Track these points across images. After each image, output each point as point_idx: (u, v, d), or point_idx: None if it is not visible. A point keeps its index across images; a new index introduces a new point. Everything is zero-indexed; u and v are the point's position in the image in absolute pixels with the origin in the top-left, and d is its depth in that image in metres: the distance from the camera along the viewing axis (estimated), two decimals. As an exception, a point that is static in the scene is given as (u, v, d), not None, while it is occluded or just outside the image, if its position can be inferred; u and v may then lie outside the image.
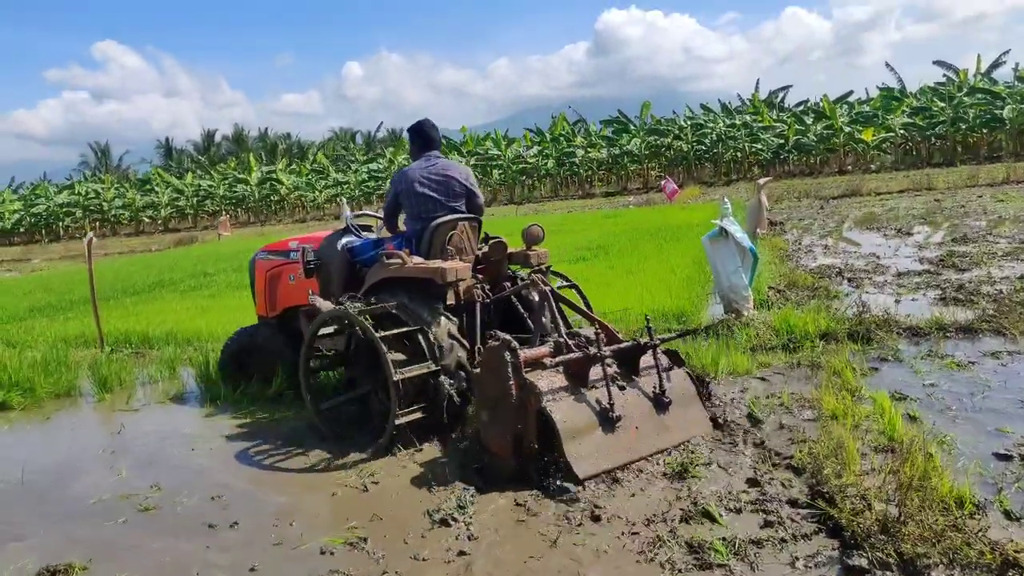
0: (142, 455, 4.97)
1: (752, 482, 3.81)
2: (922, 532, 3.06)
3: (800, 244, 12.50)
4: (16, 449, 5.37)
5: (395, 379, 4.19)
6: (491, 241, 5.12)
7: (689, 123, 39.17)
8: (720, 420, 4.45)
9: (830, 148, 35.29)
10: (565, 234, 16.11)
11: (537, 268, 5.03)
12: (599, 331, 4.22)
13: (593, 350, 4.06)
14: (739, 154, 37.50)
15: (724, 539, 3.24)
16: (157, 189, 42.29)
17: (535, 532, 3.49)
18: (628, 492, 3.80)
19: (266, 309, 5.96)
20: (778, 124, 37.12)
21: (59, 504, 4.23)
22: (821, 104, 36.82)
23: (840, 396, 4.71)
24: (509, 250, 5.10)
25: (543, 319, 4.59)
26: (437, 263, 4.67)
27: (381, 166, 42.60)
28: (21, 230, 42.27)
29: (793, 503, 3.54)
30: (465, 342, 4.62)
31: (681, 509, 3.57)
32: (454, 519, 3.62)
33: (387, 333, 4.34)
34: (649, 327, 4.41)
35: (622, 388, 4.14)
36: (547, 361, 3.98)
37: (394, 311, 4.52)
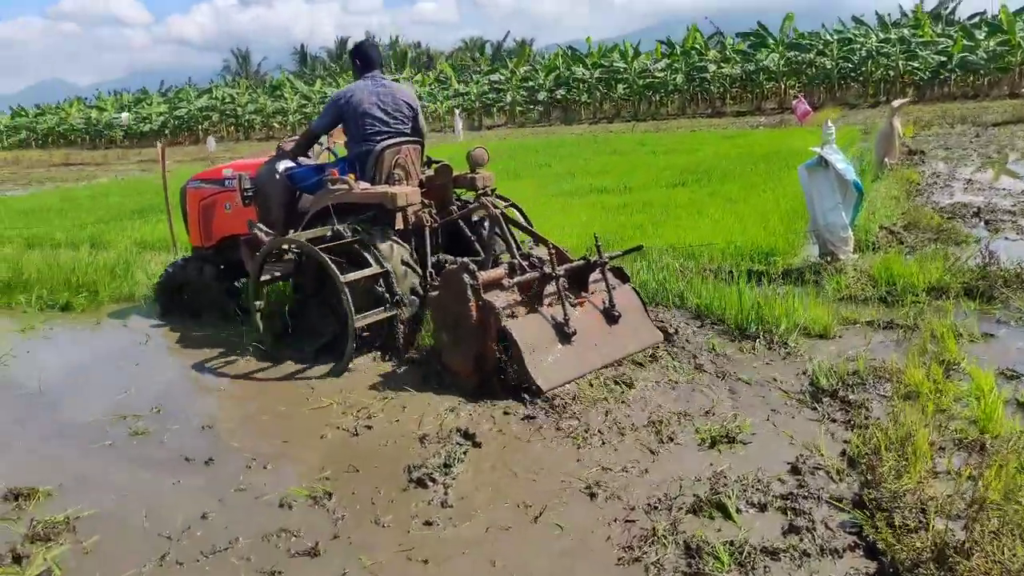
0: (161, 371, 4.86)
1: (793, 469, 3.17)
2: (989, 569, 2.36)
3: (938, 177, 10.95)
4: (50, 354, 5.41)
5: (341, 282, 4.18)
6: (436, 165, 5.09)
7: (836, 37, 35.56)
8: (670, 331, 4.66)
9: (1002, 68, 31.12)
10: (675, 154, 15.03)
11: (483, 191, 4.98)
12: (552, 251, 4.41)
13: (547, 269, 4.17)
14: (891, 73, 33.78)
15: (731, 543, 2.66)
16: (286, 95, 43.31)
17: (517, 504, 3.03)
18: (646, 463, 3.28)
19: (200, 239, 5.81)
20: (942, 39, 33.03)
21: (54, 420, 4.17)
22: (999, 16, 32.39)
23: (930, 369, 3.88)
24: (454, 173, 5.04)
25: (494, 241, 4.68)
26: (386, 187, 4.67)
27: (503, 77, 41.60)
28: (167, 132, 44.66)
29: (835, 503, 2.89)
30: (417, 267, 4.62)
31: (695, 495, 3.00)
32: (433, 479, 3.22)
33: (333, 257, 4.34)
34: (598, 245, 4.50)
35: (575, 305, 4.28)
36: (505, 282, 4.09)
37: (345, 236, 4.48)
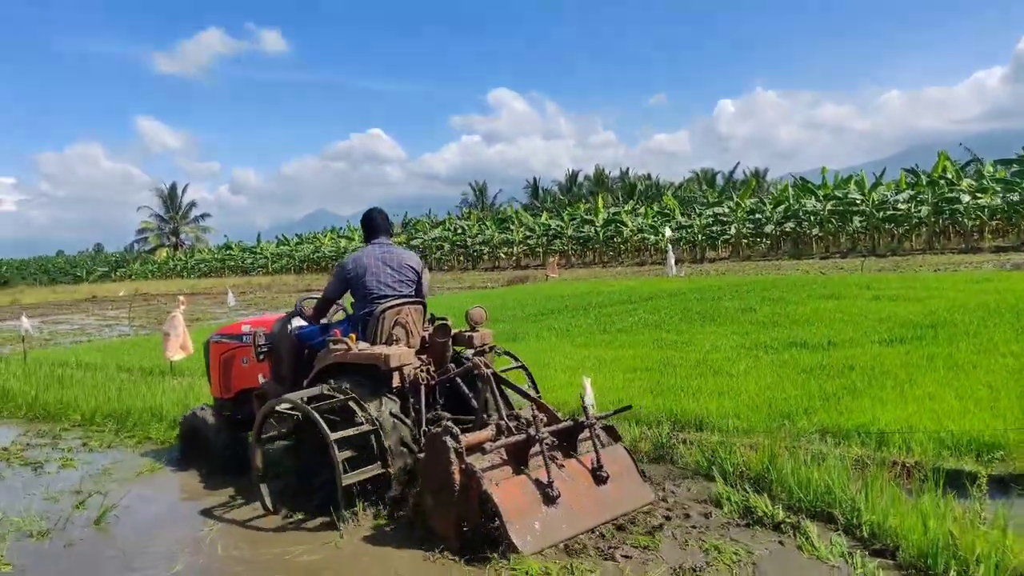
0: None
1: None
2: None
3: None
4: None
5: (331, 440, 4.31)
6: (435, 323, 5.19)
7: None
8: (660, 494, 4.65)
9: None
10: (902, 301, 13.22)
11: (480, 349, 5.16)
12: (535, 412, 4.42)
13: (531, 431, 4.23)
14: None
15: None
16: (512, 227, 45.85)
17: None
18: None
19: (220, 391, 6.08)
20: None
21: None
22: None
23: None
24: (453, 331, 5.18)
25: (486, 401, 4.74)
26: (381, 348, 4.80)
27: (728, 209, 40.79)
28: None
29: None
30: (408, 421, 4.72)
31: None
32: None
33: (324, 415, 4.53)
34: (584, 406, 4.52)
35: (561, 467, 4.31)
36: (487, 446, 4.11)
37: (336, 394, 4.67)
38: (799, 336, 9.95)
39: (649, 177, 73.08)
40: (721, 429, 5.99)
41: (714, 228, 40.83)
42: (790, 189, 40.44)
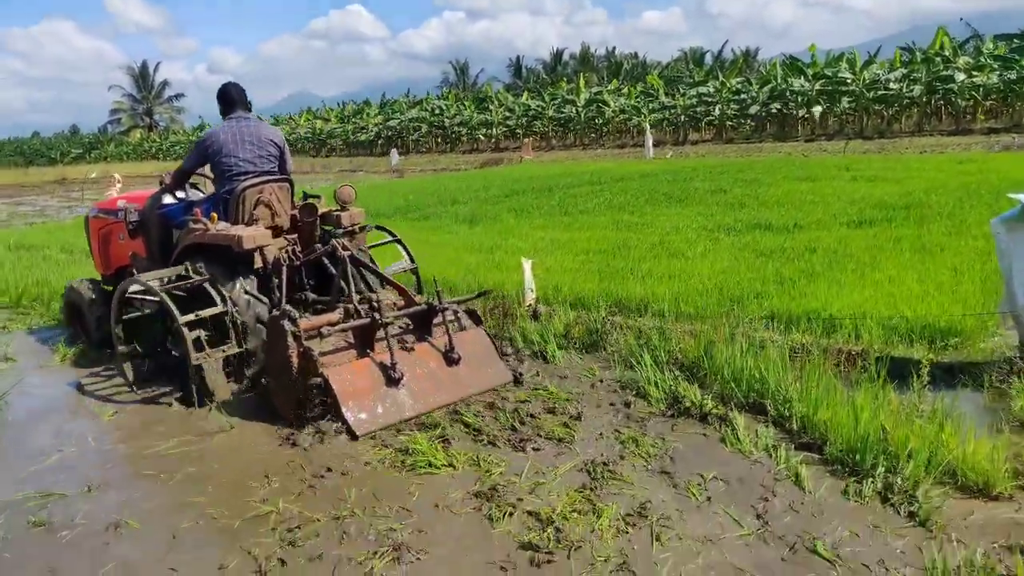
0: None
1: None
2: None
3: None
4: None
5: (179, 322, 4.26)
6: (302, 204, 5.06)
7: None
8: (518, 374, 4.61)
9: None
10: (879, 182, 12.72)
11: (349, 230, 5.05)
12: (377, 298, 4.36)
13: (377, 315, 4.21)
14: None
15: None
16: (491, 108, 44.17)
17: None
18: None
19: (101, 267, 6.05)
20: None
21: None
22: None
23: None
24: (322, 211, 5.09)
25: (341, 283, 4.64)
26: (237, 230, 4.63)
27: (713, 89, 39.26)
28: (380, 142, 47.41)
29: None
30: (264, 300, 4.66)
31: None
32: None
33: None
34: (438, 290, 4.56)
35: (410, 349, 4.35)
36: (324, 330, 4.05)
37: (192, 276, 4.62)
38: (765, 218, 9.49)
39: (636, 56, 70.52)
40: (663, 314, 5.62)
41: (698, 109, 39.35)
42: (778, 68, 38.80)
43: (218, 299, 4.46)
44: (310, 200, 5.08)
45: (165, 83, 77.13)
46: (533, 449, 3.74)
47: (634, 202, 12.02)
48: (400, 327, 4.48)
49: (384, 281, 4.87)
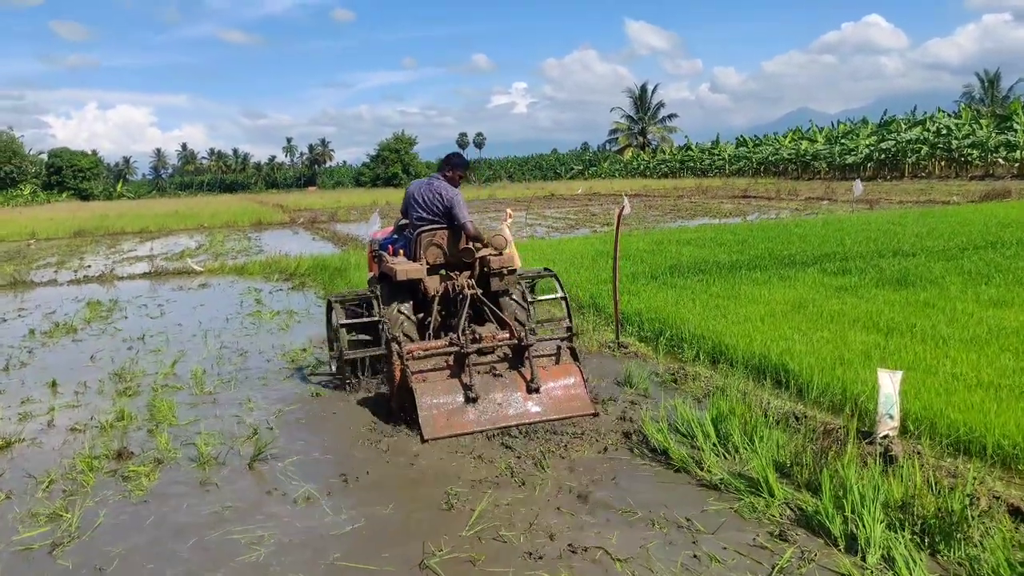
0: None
1: None
2: None
3: None
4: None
5: (337, 325, 5.81)
6: (463, 247, 5.85)
7: None
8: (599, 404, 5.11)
9: None
10: None
11: (498, 272, 5.78)
12: (471, 332, 5.17)
13: (465, 347, 5.03)
14: None
15: None
16: (1018, 126, 35.63)
17: None
18: None
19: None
20: None
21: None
22: None
23: None
24: (480, 254, 5.85)
25: (505, 313, 5.77)
26: (400, 263, 5.75)
27: None
28: (870, 164, 42.29)
29: None
30: (413, 318, 5.77)
31: None
32: None
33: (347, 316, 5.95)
34: (530, 328, 5.57)
35: (498, 375, 5.05)
36: (416, 352, 4.99)
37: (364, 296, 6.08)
38: None
39: None
40: None
41: None
42: None
43: (376, 313, 5.70)
44: (470, 246, 5.86)
45: (660, 104, 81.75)
46: None
47: None
48: (500, 356, 5.15)
49: (498, 319, 5.64)
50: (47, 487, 4.11)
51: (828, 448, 3.88)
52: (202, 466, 4.33)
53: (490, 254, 5.81)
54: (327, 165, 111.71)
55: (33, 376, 6.62)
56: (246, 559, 3.28)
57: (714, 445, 4.23)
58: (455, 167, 6.01)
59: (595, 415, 4.90)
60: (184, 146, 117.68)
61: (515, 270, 5.89)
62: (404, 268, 5.62)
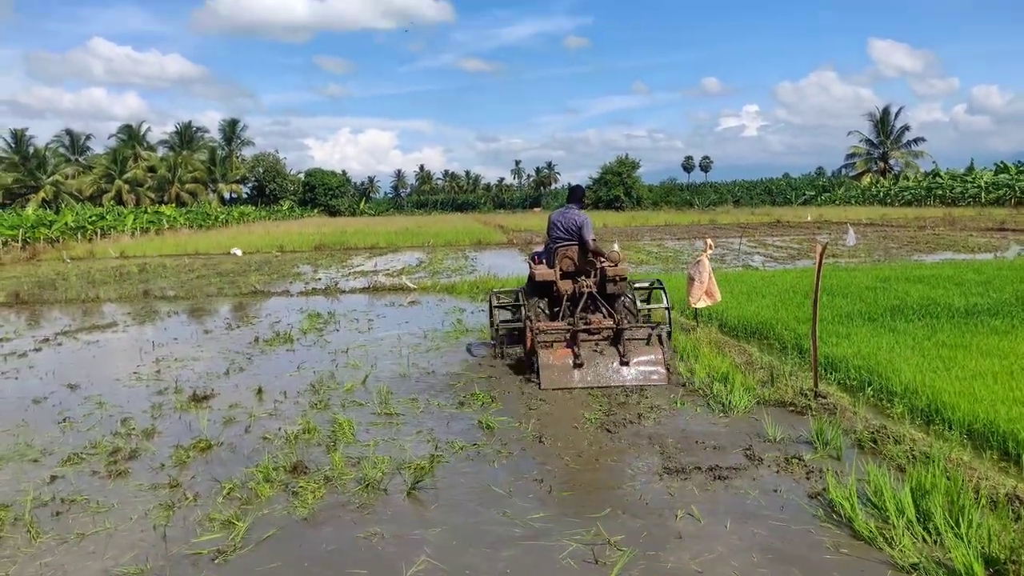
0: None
1: None
2: None
3: None
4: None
5: (492, 306, 8.81)
6: (587, 259, 7.80)
7: None
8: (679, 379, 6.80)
9: None
10: None
11: (611, 278, 7.63)
12: (587, 319, 7.33)
13: (575, 327, 7.03)
14: None
15: None
16: None
17: None
18: None
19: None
20: None
21: None
22: None
23: None
24: (600, 265, 7.72)
25: (613, 307, 7.58)
26: (541, 270, 7.93)
27: None
28: None
29: None
30: (546, 311, 7.80)
31: None
32: None
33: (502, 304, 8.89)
34: (624, 312, 7.57)
35: (600, 352, 6.90)
36: (542, 326, 7.13)
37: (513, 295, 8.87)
38: None
39: None
40: None
41: None
42: None
43: (522, 306, 7.97)
44: (590, 259, 7.75)
45: (905, 127, 74.59)
46: None
47: None
48: (603, 336, 7.13)
49: (607, 311, 7.42)
50: (227, 493, 4.43)
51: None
52: (365, 488, 4.44)
53: (608, 265, 7.67)
54: (552, 187, 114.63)
55: (247, 381, 7.29)
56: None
57: (909, 523, 3.63)
58: (580, 199, 8.19)
59: (670, 382, 6.64)
60: (421, 167, 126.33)
61: (625, 278, 7.79)
62: (542, 272, 7.87)
